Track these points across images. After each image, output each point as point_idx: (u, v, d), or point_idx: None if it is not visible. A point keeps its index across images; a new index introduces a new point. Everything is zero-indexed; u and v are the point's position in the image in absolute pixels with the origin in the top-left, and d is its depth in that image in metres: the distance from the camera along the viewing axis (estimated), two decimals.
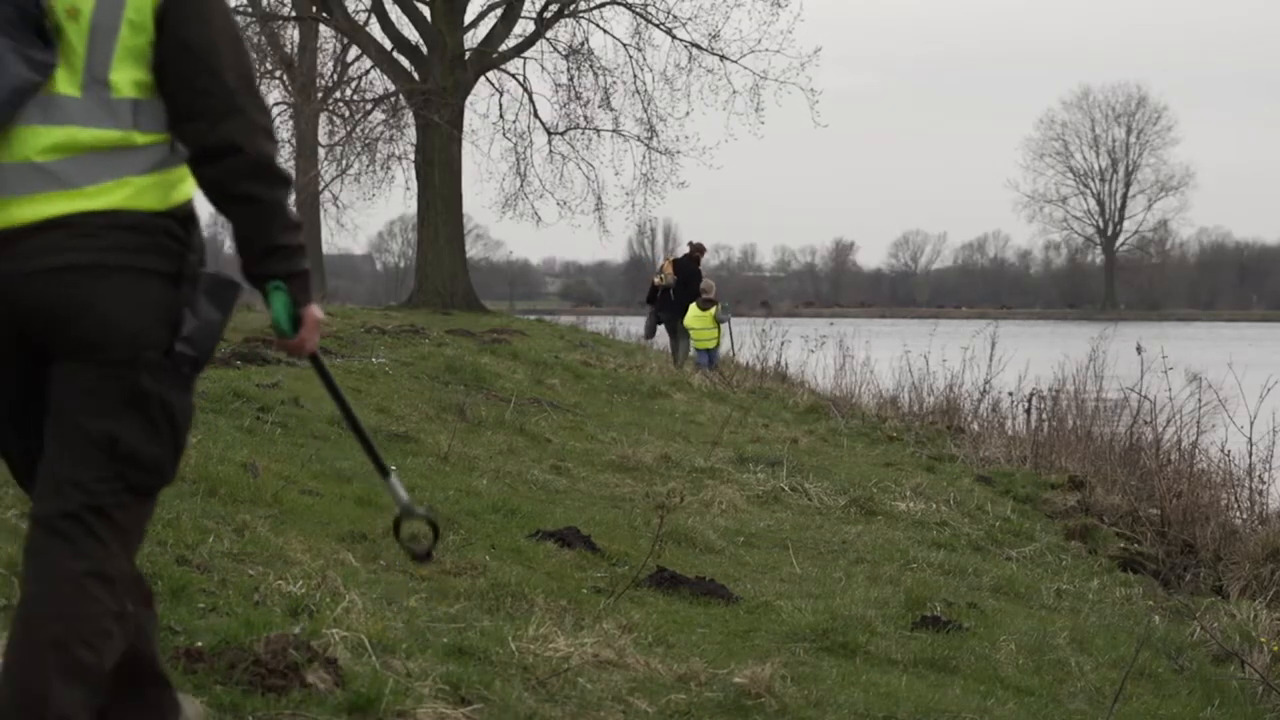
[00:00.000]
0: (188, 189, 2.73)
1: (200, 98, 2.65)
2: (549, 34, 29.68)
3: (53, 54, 2.60)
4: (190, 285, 2.69)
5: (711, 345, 19.23)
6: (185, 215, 2.72)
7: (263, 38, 30.57)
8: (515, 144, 30.56)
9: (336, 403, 3.14)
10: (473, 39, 29.07)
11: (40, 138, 2.61)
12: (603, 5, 29.58)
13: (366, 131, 30.72)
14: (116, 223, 2.64)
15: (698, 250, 20.53)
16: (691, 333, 19.33)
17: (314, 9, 28.84)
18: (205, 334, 2.70)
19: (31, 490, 2.75)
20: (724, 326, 19.33)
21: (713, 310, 19.18)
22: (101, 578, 2.62)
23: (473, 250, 47.03)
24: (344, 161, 30.92)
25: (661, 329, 20.85)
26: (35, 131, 2.61)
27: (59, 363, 2.67)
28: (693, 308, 19.20)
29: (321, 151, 31.66)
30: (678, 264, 20.27)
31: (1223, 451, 11.52)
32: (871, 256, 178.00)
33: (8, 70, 2.56)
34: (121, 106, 2.65)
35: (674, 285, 19.77)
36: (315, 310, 2.81)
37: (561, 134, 30.35)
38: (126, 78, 2.65)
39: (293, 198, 2.79)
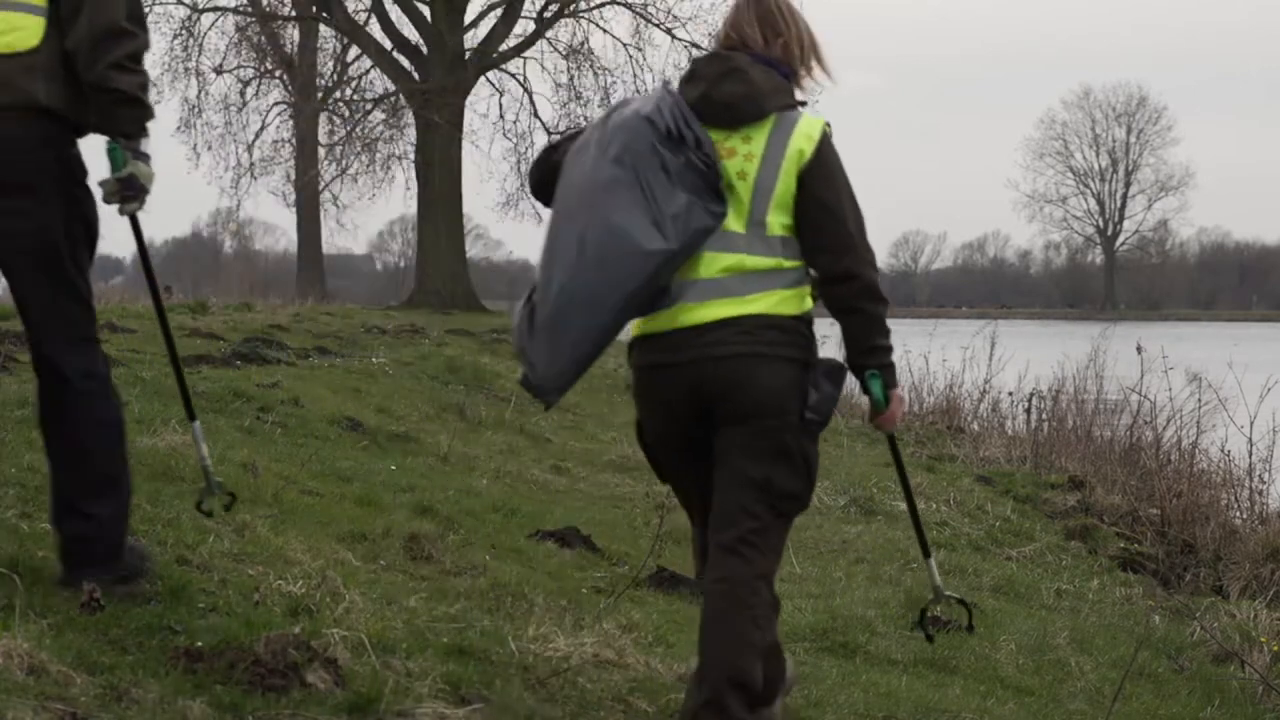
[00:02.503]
0: (810, 301, 3.75)
1: (829, 238, 3.69)
2: (549, 34, 29.71)
3: (725, 207, 3.66)
4: (814, 370, 3.69)
5: None
6: (809, 320, 3.75)
7: (263, 38, 30.58)
8: (516, 144, 30.57)
9: (902, 485, 4.33)
10: (473, 39, 29.09)
11: (719, 261, 3.67)
12: (603, 5, 29.60)
13: (366, 131, 30.74)
14: (768, 323, 3.67)
15: None
16: None
17: (314, 9, 28.85)
18: (826, 404, 3.69)
19: (696, 515, 3.90)
20: None
21: None
22: (765, 579, 3.68)
23: (473, 250, 46.99)
24: (344, 161, 30.92)
25: None
26: (715, 257, 3.67)
27: (724, 425, 3.70)
28: None
29: (321, 151, 31.67)
30: None
31: (1223, 451, 11.51)
32: None
33: (696, 217, 3.61)
34: (773, 241, 3.69)
35: None
36: (900, 392, 3.85)
37: (562, 134, 30.34)
38: (777, 220, 3.69)
39: (886, 311, 3.76)
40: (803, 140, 3.70)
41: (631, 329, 3.81)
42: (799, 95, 3.82)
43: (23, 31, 3.67)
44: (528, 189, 4.00)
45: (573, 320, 3.63)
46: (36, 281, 3.77)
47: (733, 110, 3.72)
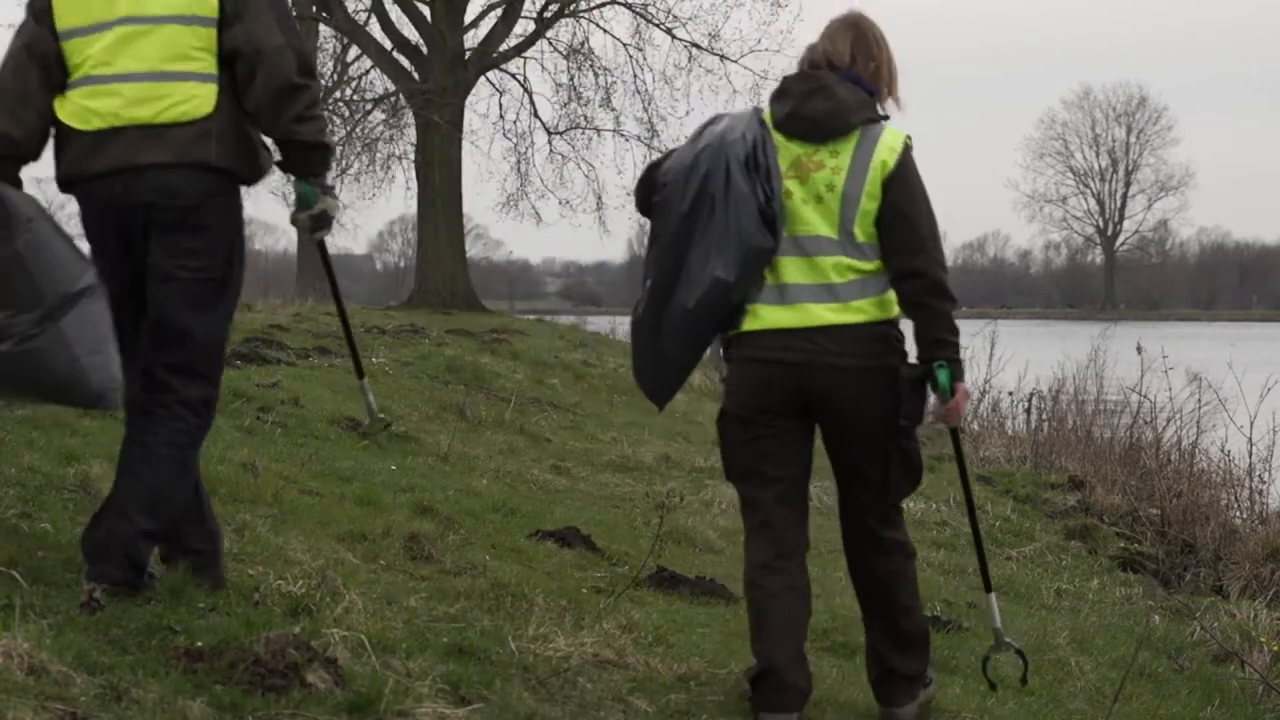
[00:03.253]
0: (897, 304, 4.09)
1: (902, 240, 4.03)
2: (549, 34, 29.68)
3: (773, 240, 4.01)
4: (903, 380, 4.04)
5: None
6: (898, 322, 4.11)
7: None
8: (515, 144, 30.57)
9: (962, 481, 4.70)
10: (473, 39, 29.05)
11: (822, 264, 4.03)
12: (603, 5, 29.58)
13: (366, 131, 30.69)
14: (869, 334, 4.05)
15: None
16: None
17: (314, 9, 28.81)
18: (915, 411, 4.09)
19: (763, 508, 4.19)
20: None
21: None
22: (900, 555, 4.27)
23: (473, 250, 46.95)
24: (344, 161, 30.85)
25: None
26: (818, 260, 4.03)
27: (830, 426, 4.15)
28: None
29: None
30: None
31: (1223, 451, 11.50)
32: None
33: (747, 244, 3.97)
34: (863, 247, 4.05)
35: None
36: (965, 386, 4.13)
37: (562, 134, 30.35)
38: (862, 228, 4.04)
39: (954, 309, 4.06)
40: (885, 152, 4.05)
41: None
42: (882, 111, 4.18)
43: (198, 100, 4.00)
44: (635, 207, 4.35)
45: (662, 348, 4.14)
46: (185, 314, 4.06)
47: (819, 125, 4.06)
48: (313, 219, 4.19)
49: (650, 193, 4.18)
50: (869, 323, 4.04)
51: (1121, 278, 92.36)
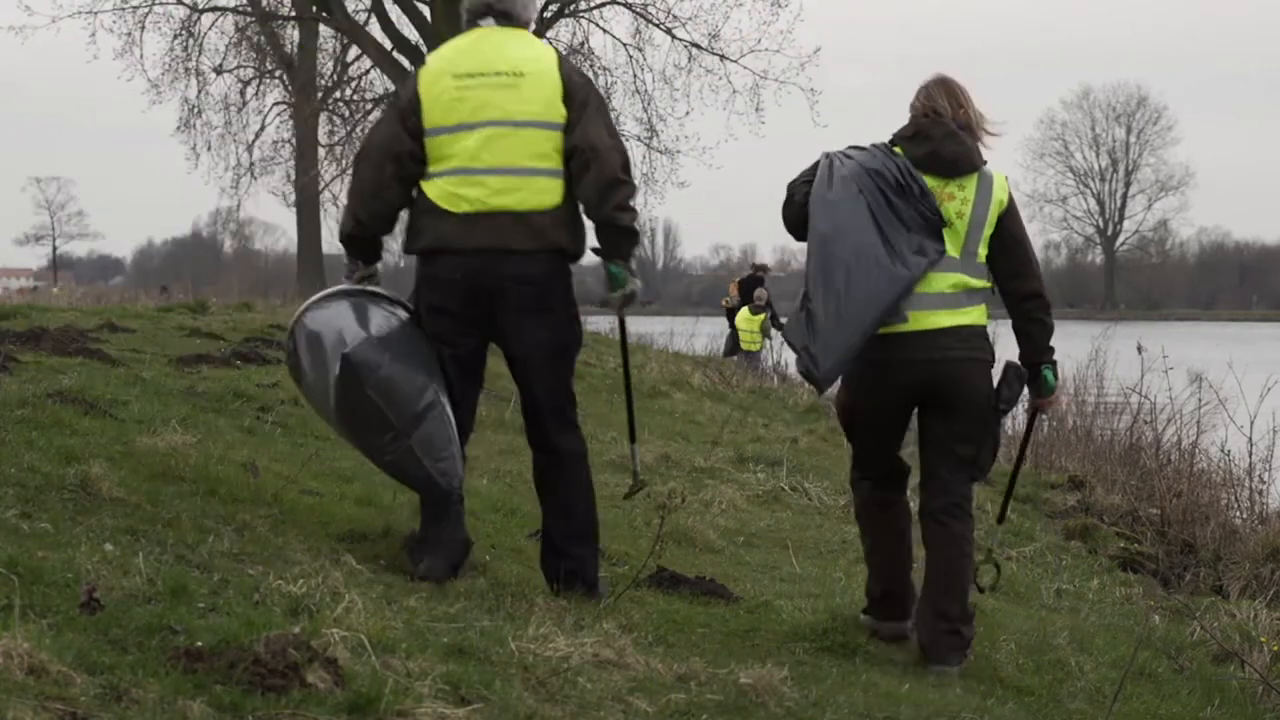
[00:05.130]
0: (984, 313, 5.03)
1: (1022, 266, 5.07)
2: (549, 33, 29.69)
3: (944, 246, 4.92)
4: (1007, 370, 5.06)
5: (755, 348, 20.90)
6: (986, 327, 5.03)
7: (262, 38, 30.56)
8: None
9: (1018, 455, 5.86)
10: None
11: (946, 280, 4.95)
12: (603, 5, 29.60)
13: (367, 131, 30.67)
14: (975, 333, 4.99)
15: (760, 270, 22.39)
16: (740, 334, 20.73)
17: (314, 9, 28.84)
18: (1014, 398, 5.08)
19: (872, 476, 5.22)
20: (767, 340, 21.01)
21: (762, 317, 20.90)
22: (970, 538, 5.11)
23: None
24: (344, 161, 30.86)
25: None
26: (943, 276, 4.94)
27: (937, 411, 5.02)
28: (744, 310, 21.19)
29: (321, 151, 31.62)
30: (743, 284, 21.77)
31: (1223, 451, 11.51)
32: None
33: (926, 253, 4.88)
34: (979, 267, 5.02)
35: (737, 305, 21.56)
36: (1060, 384, 5.18)
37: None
38: (981, 250, 5.01)
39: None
40: (1001, 191, 5.06)
41: None
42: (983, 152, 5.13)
43: (551, 192, 4.85)
44: (786, 230, 5.12)
45: (845, 329, 4.83)
46: (545, 380, 5.00)
47: (954, 164, 5.00)
48: (624, 297, 4.99)
49: (801, 217, 5.00)
50: (974, 325, 4.97)
51: (1121, 278, 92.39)
